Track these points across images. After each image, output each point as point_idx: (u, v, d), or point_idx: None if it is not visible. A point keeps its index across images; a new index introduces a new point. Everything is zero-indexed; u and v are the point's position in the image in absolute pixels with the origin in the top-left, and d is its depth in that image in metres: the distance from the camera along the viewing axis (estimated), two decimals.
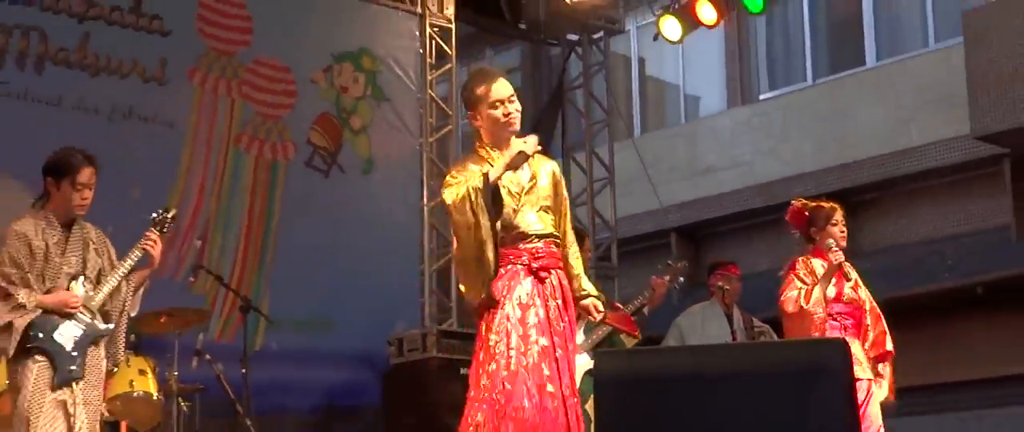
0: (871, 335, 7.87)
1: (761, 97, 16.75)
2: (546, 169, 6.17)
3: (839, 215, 7.95)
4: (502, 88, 6.12)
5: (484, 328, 5.95)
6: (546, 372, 5.77)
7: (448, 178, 6.21)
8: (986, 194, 14.38)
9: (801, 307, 7.70)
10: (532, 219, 6.05)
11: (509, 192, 6.02)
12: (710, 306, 9.62)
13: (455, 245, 6.08)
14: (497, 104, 6.08)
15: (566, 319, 5.96)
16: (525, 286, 5.95)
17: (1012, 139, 13.53)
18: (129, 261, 6.81)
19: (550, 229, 6.08)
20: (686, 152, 16.69)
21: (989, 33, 13.60)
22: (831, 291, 7.73)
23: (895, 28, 15.92)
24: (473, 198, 5.84)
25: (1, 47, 10.28)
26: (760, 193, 15.63)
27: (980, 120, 13.55)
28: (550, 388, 5.75)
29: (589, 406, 8.80)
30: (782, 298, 7.84)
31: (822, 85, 16.22)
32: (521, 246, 6.01)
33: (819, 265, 7.77)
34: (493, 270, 5.89)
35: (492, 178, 5.86)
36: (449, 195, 6.01)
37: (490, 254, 5.87)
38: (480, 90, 6.16)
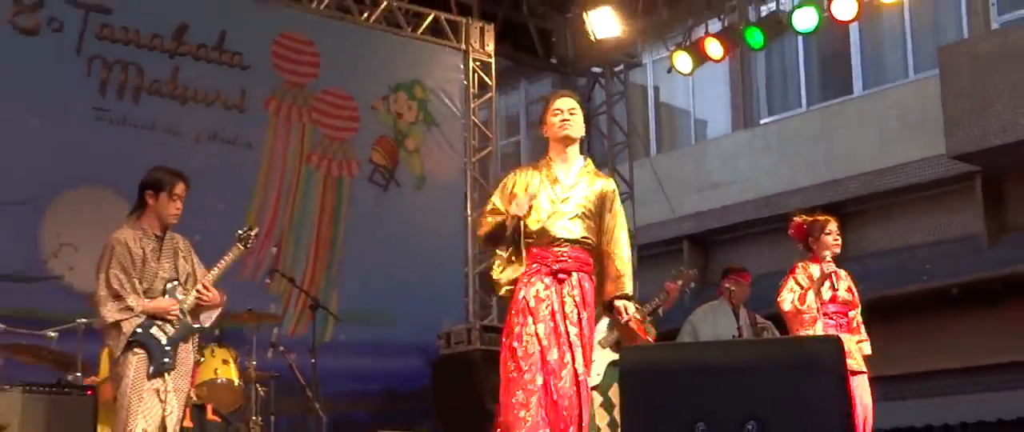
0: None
1: (761, 121, 16.70)
2: (595, 186, 6.15)
3: (833, 226, 7.97)
4: (562, 101, 6.22)
5: (509, 315, 6.08)
6: (555, 355, 5.87)
7: (490, 202, 6.40)
8: (959, 207, 14.31)
9: (796, 307, 7.75)
10: (563, 225, 6.06)
11: (550, 199, 6.08)
12: (719, 305, 9.56)
13: None
14: (556, 112, 6.18)
15: (584, 313, 6.00)
16: (544, 282, 5.99)
17: (982, 159, 13.49)
18: (214, 275, 6.85)
19: (580, 236, 6.07)
20: (696, 169, 16.66)
21: (961, 65, 13.55)
22: (827, 294, 7.77)
23: (879, 61, 15.86)
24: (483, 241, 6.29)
25: (104, 79, 10.40)
26: (761, 205, 15.58)
27: (954, 142, 13.49)
28: (560, 369, 5.85)
29: (612, 392, 8.84)
30: (779, 298, 7.88)
31: (815, 111, 16.16)
32: (548, 249, 6.04)
33: (816, 269, 7.80)
34: (516, 271, 6.07)
35: (506, 233, 6.08)
36: (480, 229, 6.38)
37: (505, 272, 6.11)
38: (547, 104, 6.31)
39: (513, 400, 5.87)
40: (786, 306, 7.80)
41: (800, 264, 7.90)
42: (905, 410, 13.07)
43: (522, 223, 6.04)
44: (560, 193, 6.11)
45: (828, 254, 7.79)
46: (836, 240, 7.92)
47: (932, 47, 14.70)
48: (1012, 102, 12.94)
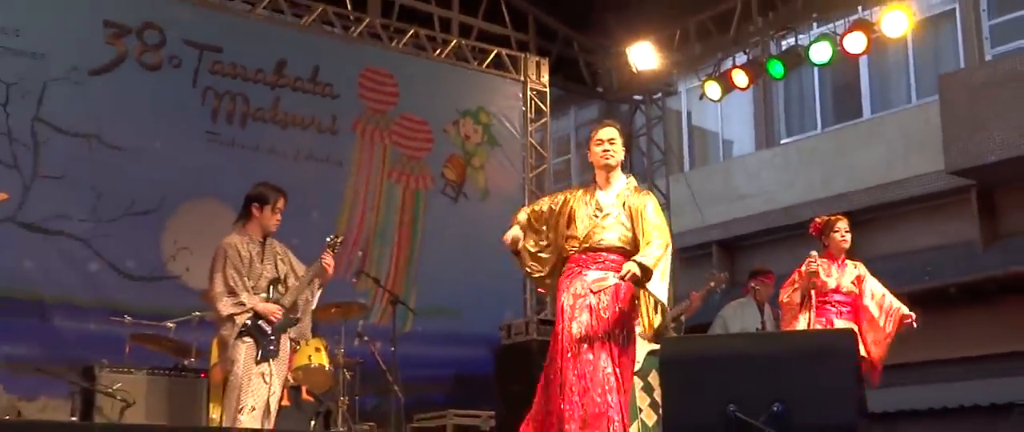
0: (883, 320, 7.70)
1: (781, 141, 16.58)
2: (633, 202, 6.05)
3: (841, 224, 7.89)
4: (604, 132, 6.17)
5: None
6: (586, 346, 5.81)
7: (541, 200, 6.38)
8: (956, 216, 14.14)
9: (780, 302, 7.80)
10: (601, 235, 6.02)
11: (590, 217, 6.06)
12: (747, 302, 9.50)
13: None
14: (598, 142, 6.14)
15: (618, 306, 5.90)
16: (584, 281, 5.93)
17: (977, 174, 13.33)
18: (309, 274, 6.96)
19: (618, 244, 6.02)
20: (724, 183, 16.55)
21: (958, 92, 13.40)
22: (832, 283, 7.68)
23: (885, 88, 15.71)
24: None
25: (215, 108, 10.59)
26: (781, 215, 15.41)
27: (952, 159, 13.33)
28: (588, 357, 5.78)
29: (652, 377, 8.79)
30: (781, 287, 7.89)
31: (829, 132, 16.03)
32: (589, 254, 6.00)
33: (825, 262, 7.72)
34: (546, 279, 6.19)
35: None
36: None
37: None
38: (593, 133, 6.24)
39: (553, 392, 5.86)
40: (783, 297, 7.80)
41: (809, 256, 7.78)
42: (907, 395, 12.92)
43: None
44: (601, 212, 6.07)
45: (816, 256, 7.70)
46: (843, 237, 7.81)
47: (932, 76, 14.54)
48: (1003, 124, 12.79)
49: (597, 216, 6.05)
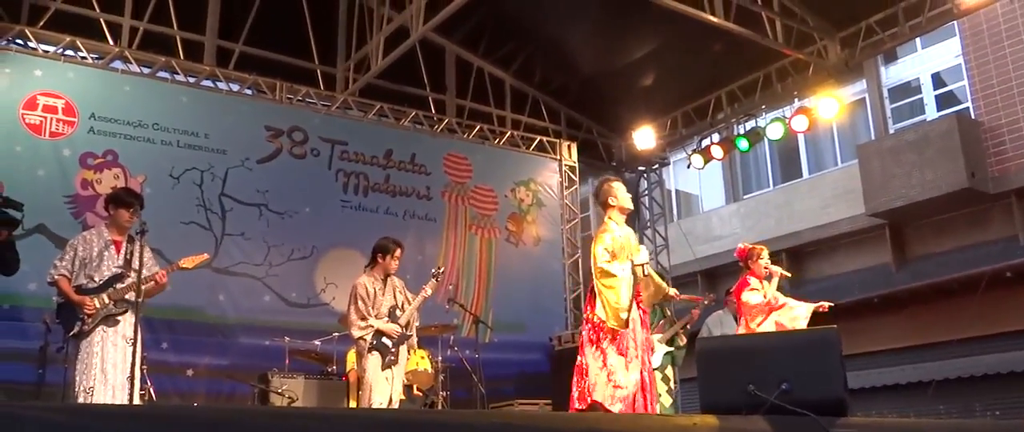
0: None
1: (744, 197, 16.55)
2: None
3: (765, 252, 7.49)
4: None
5: (612, 336, 5.67)
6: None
7: (602, 251, 5.73)
8: (876, 247, 14.14)
9: (763, 302, 7.28)
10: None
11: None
12: (725, 313, 9.33)
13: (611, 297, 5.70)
14: (627, 191, 5.96)
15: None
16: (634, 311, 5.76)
17: (888, 216, 13.41)
18: (418, 301, 6.94)
19: None
20: (704, 228, 16.53)
21: (872, 156, 13.42)
22: (765, 295, 7.41)
23: (819, 155, 15.73)
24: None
25: (345, 183, 10.66)
26: None
27: (870, 205, 13.38)
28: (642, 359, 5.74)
29: (668, 371, 8.64)
30: (745, 298, 7.31)
31: (779, 188, 16.03)
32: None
33: (755, 281, 7.37)
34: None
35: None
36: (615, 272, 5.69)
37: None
38: (620, 190, 5.96)
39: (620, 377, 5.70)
40: (754, 301, 7.26)
41: (746, 277, 7.40)
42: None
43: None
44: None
45: (768, 273, 7.33)
46: (766, 262, 7.39)
47: (852, 145, 14.56)
48: (906, 179, 12.83)
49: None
